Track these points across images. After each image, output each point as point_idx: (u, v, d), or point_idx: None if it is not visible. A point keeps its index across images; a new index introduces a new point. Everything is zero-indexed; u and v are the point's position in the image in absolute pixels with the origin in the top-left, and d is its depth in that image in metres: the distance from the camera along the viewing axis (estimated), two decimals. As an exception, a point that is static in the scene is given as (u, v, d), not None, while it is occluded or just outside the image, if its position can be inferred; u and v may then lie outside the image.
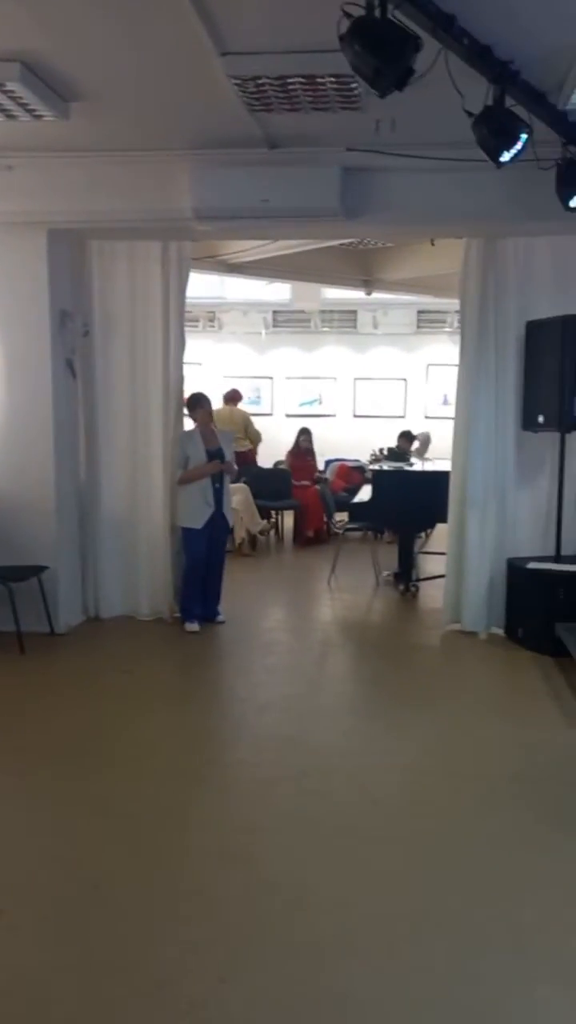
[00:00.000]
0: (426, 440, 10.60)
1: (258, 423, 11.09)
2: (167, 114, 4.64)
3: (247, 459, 10.35)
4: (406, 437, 10.40)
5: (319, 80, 3.98)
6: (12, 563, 5.75)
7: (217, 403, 10.56)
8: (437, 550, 7.86)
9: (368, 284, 9.46)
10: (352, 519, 8.19)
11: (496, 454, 6.03)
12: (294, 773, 3.88)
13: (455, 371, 6.20)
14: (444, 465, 6.41)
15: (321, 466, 11.62)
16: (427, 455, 10.08)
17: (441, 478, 6.44)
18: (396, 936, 2.69)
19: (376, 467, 8.24)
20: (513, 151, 3.86)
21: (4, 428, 5.90)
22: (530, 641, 5.74)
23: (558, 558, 5.87)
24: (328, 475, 11.30)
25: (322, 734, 4.40)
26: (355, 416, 13.12)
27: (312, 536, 10.05)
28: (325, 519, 9.92)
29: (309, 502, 10.02)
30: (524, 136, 3.83)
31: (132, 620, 6.43)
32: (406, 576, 7.55)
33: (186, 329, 6.41)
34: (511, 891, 2.94)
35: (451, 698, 4.95)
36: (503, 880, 3.02)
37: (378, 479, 7.63)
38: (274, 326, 13.04)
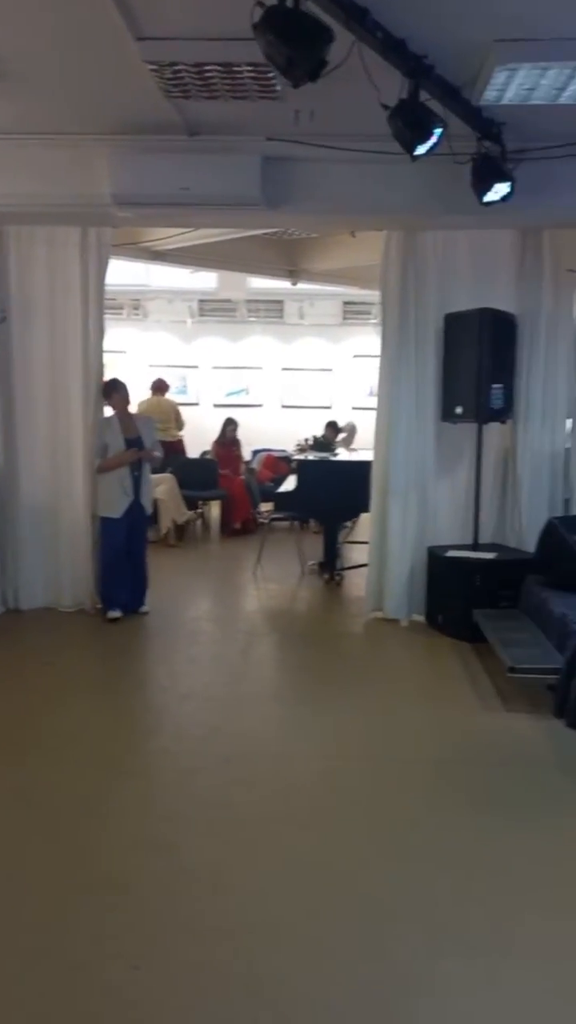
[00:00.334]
0: (352, 430, 10.72)
1: (184, 413, 11.04)
2: (87, 98, 4.56)
3: (175, 449, 10.29)
4: (332, 427, 10.50)
5: (236, 69, 3.98)
6: None
7: (144, 393, 10.49)
8: (361, 539, 7.96)
9: (293, 274, 9.46)
10: (277, 509, 8.22)
11: (417, 445, 6.13)
12: (216, 761, 3.90)
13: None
14: (369, 455, 6.47)
15: (248, 456, 11.62)
16: (353, 445, 10.20)
17: (365, 468, 6.51)
18: (311, 920, 2.73)
19: (300, 457, 8.25)
20: (428, 145, 3.92)
21: None
22: (449, 627, 5.87)
23: (475, 546, 6.01)
24: (255, 465, 11.31)
25: (245, 722, 4.42)
26: (282, 406, 13.13)
27: (239, 527, 10.05)
28: (252, 509, 9.95)
29: (236, 492, 10.02)
30: (438, 130, 3.90)
31: (53, 611, 6.34)
32: (330, 565, 7.63)
33: (110, 317, 6.33)
34: (427, 871, 3.02)
35: (374, 684, 5.03)
36: (420, 860, 3.09)
37: (303, 469, 7.65)
38: (200, 315, 12.92)
